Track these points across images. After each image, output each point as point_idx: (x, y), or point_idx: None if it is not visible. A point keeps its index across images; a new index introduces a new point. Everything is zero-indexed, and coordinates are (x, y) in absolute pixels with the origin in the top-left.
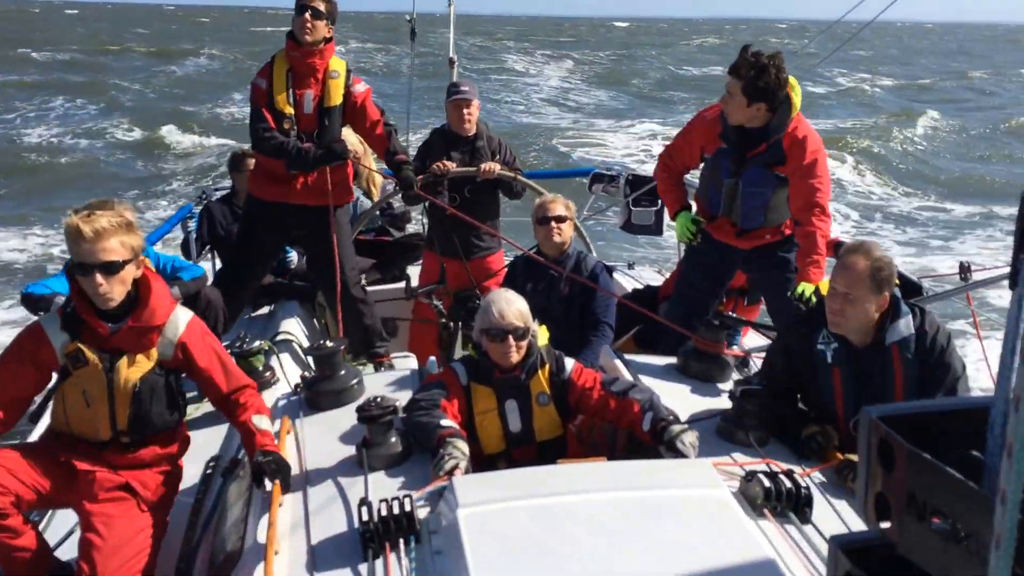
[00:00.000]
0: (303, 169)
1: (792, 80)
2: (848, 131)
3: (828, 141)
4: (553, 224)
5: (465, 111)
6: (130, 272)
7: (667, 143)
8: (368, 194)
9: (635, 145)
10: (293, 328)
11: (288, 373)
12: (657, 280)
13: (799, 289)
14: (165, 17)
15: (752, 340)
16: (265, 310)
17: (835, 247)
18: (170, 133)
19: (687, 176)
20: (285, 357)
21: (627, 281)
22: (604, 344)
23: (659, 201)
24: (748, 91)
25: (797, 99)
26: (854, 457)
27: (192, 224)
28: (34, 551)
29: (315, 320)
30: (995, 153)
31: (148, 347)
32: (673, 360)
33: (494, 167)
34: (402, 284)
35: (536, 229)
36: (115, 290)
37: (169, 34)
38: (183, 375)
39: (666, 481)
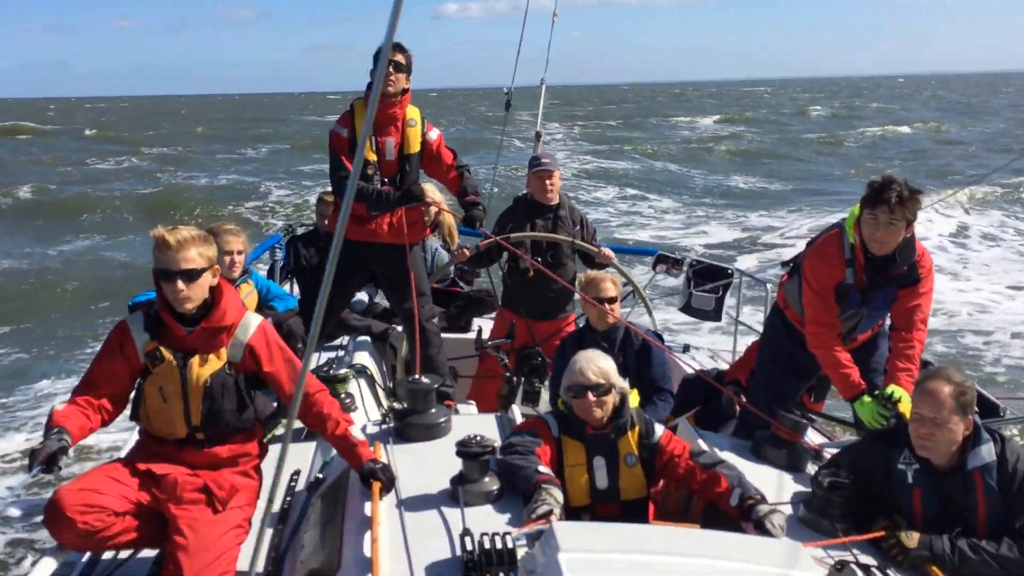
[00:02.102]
0: (384, 210)
1: None
2: None
3: None
4: (607, 306)
5: (547, 182)
6: (207, 279)
7: (802, 311)
8: (447, 245)
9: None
10: (367, 361)
11: (366, 402)
12: (711, 365)
13: (888, 390)
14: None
15: (814, 436)
16: (337, 342)
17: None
18: None
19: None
20: (363, 385)
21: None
22: (666, 408)
23: (720, 289)
24: (911, 220)
25: None
26: (906, 538)
27: (280, 253)
28: (142, 535)
29: (384, 361)
30: None
31: (219, 347)
32: (744, 442)
33: (611, 254)
34: (466, 335)
35: (587, 305)
36: (193, 295)
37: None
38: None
39: (759, 557)
